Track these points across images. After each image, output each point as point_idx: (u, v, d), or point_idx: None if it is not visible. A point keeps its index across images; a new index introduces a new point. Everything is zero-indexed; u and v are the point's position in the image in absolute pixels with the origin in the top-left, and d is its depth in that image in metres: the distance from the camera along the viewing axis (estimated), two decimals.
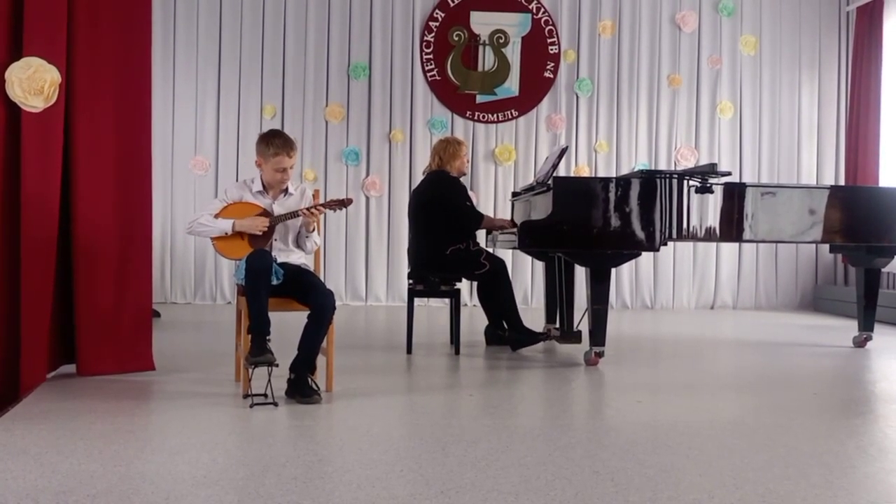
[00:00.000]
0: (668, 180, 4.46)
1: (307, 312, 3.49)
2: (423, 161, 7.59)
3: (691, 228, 4.52)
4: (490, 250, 5.19)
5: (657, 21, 8.33)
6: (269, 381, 3.31)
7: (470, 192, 5.89)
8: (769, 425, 3.13)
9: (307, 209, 3.66)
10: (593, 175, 8.09)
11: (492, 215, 7.78)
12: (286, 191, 3.79)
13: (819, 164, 8.56)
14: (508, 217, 6.16)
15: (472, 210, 5.03)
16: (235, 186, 3.86)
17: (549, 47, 8.19)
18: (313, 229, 3.73)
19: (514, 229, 4.77)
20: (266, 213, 3.71)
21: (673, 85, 8.34)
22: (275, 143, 3.65)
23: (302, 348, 3.44)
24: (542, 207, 4.64)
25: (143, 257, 4.00)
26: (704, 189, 4.50)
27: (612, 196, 4.36)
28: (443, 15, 8.09)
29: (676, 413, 3.34)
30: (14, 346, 3.55)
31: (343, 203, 3.78)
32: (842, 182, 8.34)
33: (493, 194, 8.19)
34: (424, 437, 2.86)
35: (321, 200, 3.87)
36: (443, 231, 4.88)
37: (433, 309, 7.59)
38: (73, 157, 3.76)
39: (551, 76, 8.20)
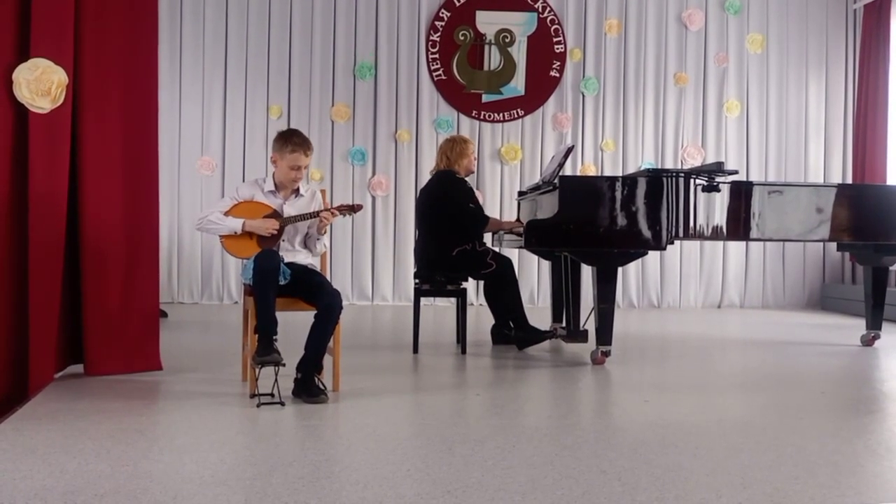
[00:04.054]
0: (674, 179, 4.45)
1: (314, 312, 3.50)
2: (429, 161, 7.59)
3: (698, 227, 4.51)
4: (496, 250, 5.18)
5: (663, 19, 8.32)
6: (276, 380, 3.32)
7: (476, 192, 5.88)
8: (777, 424, 3.12)
9: (323, 211, 3.67)
10: (599, 174, 8.09)
11: (498, 215, 7.80)
12: (297, 191, 3.80)
13: (826, 163, 8.54)
14: (514, 217, 6.16)
15: (478, 212, 4.99)
16: (247, 185, 3.88)
17: (555, 46, 8.18)
18: (325, 232, 3.74)
19: (521, 228, 4.77)
20: (276, 213, 3.72)
21: (679, 83, 8.32)
22: (293, 140, 3.69)
23: (308, 348, 3.45)
24: (548, 207, 4.63)
25: (151, 257, 4.01)
26: (711, 188, 4.49)
27: (618, 195, 4.36)
28: (448, 14, 8.08)
29: (684, 412, 3.33)
30: (22, 346, 3.56)
31: (353, 209, 3.81)
32: (849, 180, 8.33)
33: (499, 194, 8.19)
34: (431, 436, 2.86)
35: (328, 200, 3.87)
36: (449, 231, 4.87)
37: (439, 308, 7.59)
38: (81, 158, 3.78)
39: (557, 75, 8.19)
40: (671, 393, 3.77)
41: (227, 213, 3.70)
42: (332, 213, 3.69)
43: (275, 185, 3.78)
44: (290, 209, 3.75)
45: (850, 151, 8.47)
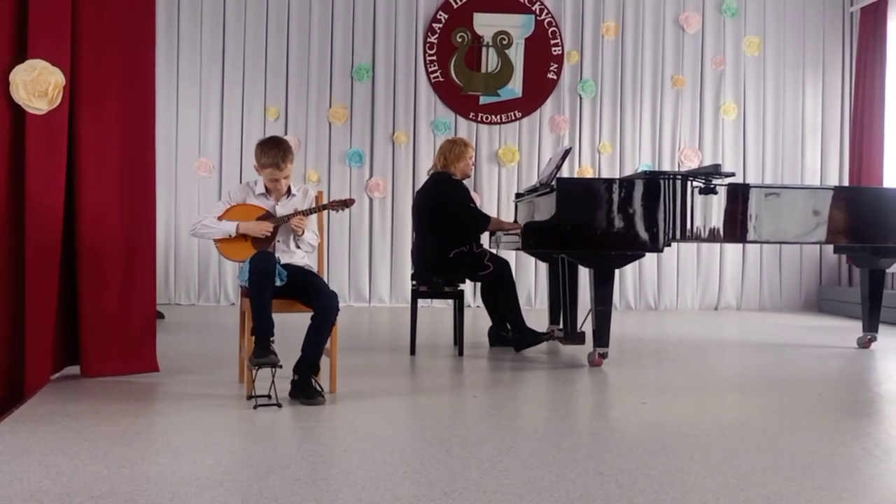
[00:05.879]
0: (671, 181, 4.46)
1: (311, 314, 3.49)
2: (426, 162, 7.60)
3: (695, 229, 4.51)
4: (494, 251, 5.19)
5: (661, 22, 8.33)
6: (273, 382, 3.32)
7: (473, 194, 5.89)
8: (774, 427, 3.12)
9: (294, 217, 3.64)
10: (597, 176, 8.10)
11: (495, 216, 7.80)
12: (289, 191, 3.80)
13: (823, 165, 8.55)
14: (512, 219, 6.16)
15: (478, 213, 5.02)
16: (238, 189, 3.88)
17: (553, 48, 8.19)
18: (302, 232, 3.70)
19: (519, 230, 4.77)
20: (269, 214, 3.72)
21: (676, 86, 8.33)
22: (269, 153, 3.65)
23: (305, 349, 3.44)
24: (545, 209, 4.64)
25: (148, 259, 4.01)
26: (708, 190, 4.50)
27: (615, 197, 4.36)
28: (446, 16, 8.09)
29: (681, 414, 3.34)
30: (19, 347, 3.55)
31: (346, 203, 3.79)
32: (846, 183, 8.34)
33: (496, 195, 8.20)
34: (428, 438, 2.86)
35: (325, 202, 3.87)
36: (446, 233, 4.87)
37: (437, 310, 7.59)
38: (78, 160, 3.77)
39: (555, 77, 8.20)
40: (668, 395, 3.77)
41: (220, 218, 3.69)
42: (300, 222, 3.64)
43: (265, 187, 3.78)
44: (283, 209, 3.75)
45: (846, 154, 8.49)
